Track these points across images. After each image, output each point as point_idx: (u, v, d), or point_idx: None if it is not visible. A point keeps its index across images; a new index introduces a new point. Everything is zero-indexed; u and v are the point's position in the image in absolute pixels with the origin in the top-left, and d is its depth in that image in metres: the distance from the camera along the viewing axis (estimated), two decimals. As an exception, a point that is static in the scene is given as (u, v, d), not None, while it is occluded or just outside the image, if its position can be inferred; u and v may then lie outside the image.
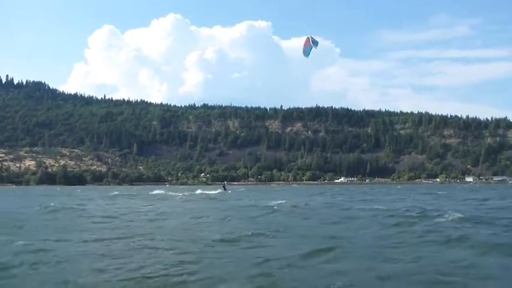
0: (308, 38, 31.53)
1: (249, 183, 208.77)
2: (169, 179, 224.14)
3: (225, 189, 67.22)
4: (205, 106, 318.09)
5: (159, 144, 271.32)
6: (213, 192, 60.48)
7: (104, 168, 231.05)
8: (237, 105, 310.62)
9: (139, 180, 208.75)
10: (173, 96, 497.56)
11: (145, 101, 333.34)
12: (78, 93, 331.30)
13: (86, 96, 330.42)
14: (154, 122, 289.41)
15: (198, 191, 63.18)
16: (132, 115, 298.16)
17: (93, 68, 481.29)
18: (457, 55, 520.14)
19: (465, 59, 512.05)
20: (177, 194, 57.46)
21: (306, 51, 31.60)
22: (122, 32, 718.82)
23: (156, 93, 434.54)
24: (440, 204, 32.24)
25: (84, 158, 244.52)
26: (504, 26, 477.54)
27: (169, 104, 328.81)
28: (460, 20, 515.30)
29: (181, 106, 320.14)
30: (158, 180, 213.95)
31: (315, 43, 31.25)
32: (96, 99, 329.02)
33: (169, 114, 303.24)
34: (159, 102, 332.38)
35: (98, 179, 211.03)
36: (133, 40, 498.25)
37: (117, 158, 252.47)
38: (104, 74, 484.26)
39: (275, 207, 27.48)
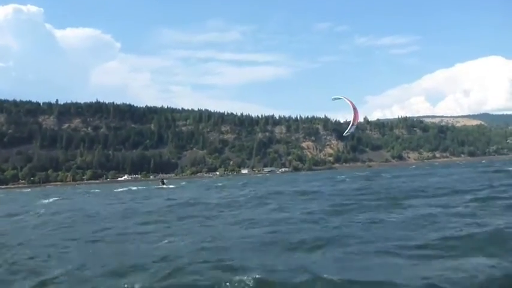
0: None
1: (20, 185, 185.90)
2: None
3: (163, 183, 68.41)
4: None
5: None
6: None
7: None
8: (3, 99, 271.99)
9: None
10: None
11: None
12: None
13: None
14: None
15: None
16: None
17: None
18: (231, 57, 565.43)
19: (238, 61, 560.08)
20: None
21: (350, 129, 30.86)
22: None
23: None
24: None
25: None
26: (272, 35, 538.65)
27: None
28: (233, 26, 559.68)
29: None
30: None
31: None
32: None
33: None
34: None
35: None
36: None
37: None
38: None
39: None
